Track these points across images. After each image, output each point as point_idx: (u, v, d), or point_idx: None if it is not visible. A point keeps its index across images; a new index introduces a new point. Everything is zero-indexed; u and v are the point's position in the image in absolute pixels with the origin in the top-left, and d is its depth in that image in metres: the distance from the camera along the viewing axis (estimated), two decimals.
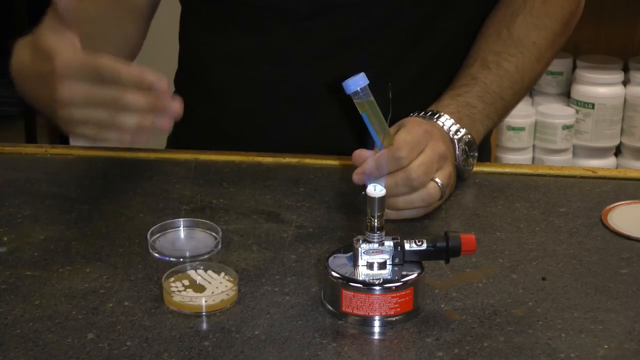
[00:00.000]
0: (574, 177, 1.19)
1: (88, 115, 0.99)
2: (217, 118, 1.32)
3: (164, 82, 0.96)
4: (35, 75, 1.04)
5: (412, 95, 1.22)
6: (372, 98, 0.99)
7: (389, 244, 0.89)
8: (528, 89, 1.26)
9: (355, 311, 0.88)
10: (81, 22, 1.11)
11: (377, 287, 0.88)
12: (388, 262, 0.89)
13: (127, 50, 1.28)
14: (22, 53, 1.07)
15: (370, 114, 0.99)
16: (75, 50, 0.99)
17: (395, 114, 1.02)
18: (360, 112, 0.99)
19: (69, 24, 1.00)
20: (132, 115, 0.97)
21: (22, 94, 1.10)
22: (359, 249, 0.89)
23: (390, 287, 0.88)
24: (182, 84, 1.38)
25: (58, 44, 1.00)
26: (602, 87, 2.48)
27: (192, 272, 0.94)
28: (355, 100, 0.99)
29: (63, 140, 2.80)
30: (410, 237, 0.91)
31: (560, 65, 2.56)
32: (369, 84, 0.98)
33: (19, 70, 1.09)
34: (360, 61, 1.20)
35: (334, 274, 0.89)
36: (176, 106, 0.97)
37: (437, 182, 1.04)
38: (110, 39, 1.23)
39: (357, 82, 0.97)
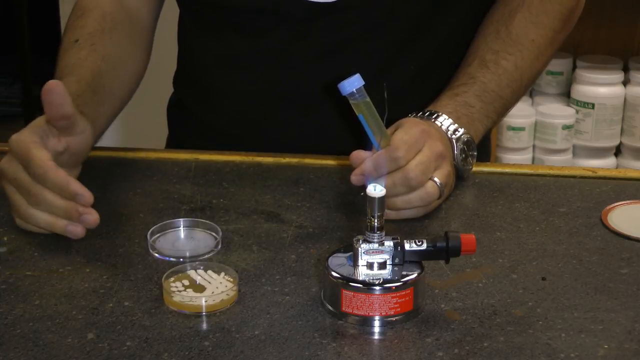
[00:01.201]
0: (574, 177, 1.19)
1: (10, 193, 1.02)
2: (215, 119, 1.32)
3: (88, 195, 0.99)
4: None
5: (409, 96, 1.22)
6: (368, 99, 0.98)
7: (389, 244, 0.89)
8: (527, 88, 1.26)
9: (355, 311, 0.88)
10: (102, 73, 1.19)
11: (377, 287, 0.88)
12: (388, 262, 0.89)
13: (139, 74, 1.30)
14: None
15: (367, 115, 0.99)
16: (34, 136, 1.02)
17: (393, 114, 1.02)
18: (357, 113, 0.99)
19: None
20: (43, 212, 1.00)
21: None
22: (359, 249, 0.89)
23: (390, 287, 0.88)
24: (181, 85, 1.38)
25: (34, 123, 1.05)
26: (602, 87, 2.48)
27: (192, 272, 0.94)
28: (351, 102, 0.99)
29: None
30: (410, 237, 0.91)
31: (560, 65, 2.56)
32: (365, 85, 0.98)
33: None
34: (358, 62, 1.20)
35: (334, 274, 0.89)
36: (92, 219, 0.99)
37: (435, 182, 1.05)
38: (125, 78, 1.26)
39: (352, 84, 0.97)
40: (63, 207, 0.99)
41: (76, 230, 1.00)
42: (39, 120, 1.05)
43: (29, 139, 1.02)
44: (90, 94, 1.15)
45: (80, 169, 1.10)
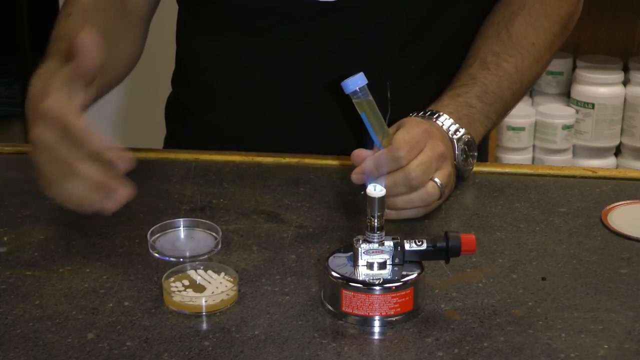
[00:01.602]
0: (574, 177, 1.19)
1: (44, 164, 0.97)
2: (215, 118, 1.32)
3: (124, 161, 0.94)
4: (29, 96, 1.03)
5: (410, 95, 1.22)
6: (370, 98, 0.99)
7: (389, 244, 0.89)
8: (527, 90, 1.26)
9: (355, 311, 0.88)
10: (93, 28, 1.13)
11: (377, 287, 0.88)
12: (388, 262, 0.89)
13: (132, 58, 1.28)
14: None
15: (369, 114, 0.99)
16: (65, 101, 0.97)
17: (394, 113, 1.02)
18: (359, 112, 0.99)
19: (85, 80, 0.99)
20: (78, 184, 0.95)
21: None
22: (359, 249, 0.89)
23: (390, 287, 0.88)
24: (180, 84, 1.38)
25: (56, 86, 0.98)
26: (602, 87, 2.48)
27: (192, 272, 0.94)
28: (354, 100, 0.99)
29: None
30: (410, 237, 0.91)
31: (560, 65, 2.56)
32: (367, 84, 0.98)
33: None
34: (359, 61, 1.20)
35: (334, 274, 0.89)
36: (125, 193, 0.95)
37: (436, 182, 1.05)
38: (118, 50, 1.23)
39: (356, 82, 0.97)
40: (98, 177, 0.94)
41: (110, 205, 0.95)
42: (61, 79, 0.99)
43: (65, 105, 0.96)
44: None
45: None
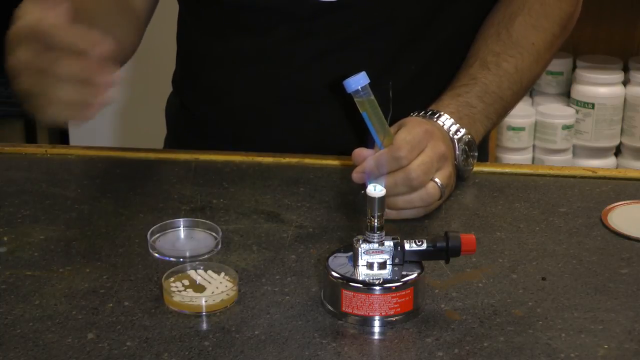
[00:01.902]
0: (574, 177, 1.19)
1: (28, 86, 0.93)
2: (215, 118, 1.32)
3: (101, 46, 0.89)
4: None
5: (411, 95, 1.22)
6: (372, 97, 0.99)
7: (389, 244, 0.89)
8: (527, 90, 1.26)
9: (355, 311, 0.88)
10: (81, 19, 1.11)
11: (377, 287, 0.88)
12: (388, 262, 0.89)
13: (123, 50, 1.23)
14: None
15: (371, 113, 1.00)
16: (38, 15, 0.92)
17: (394, 113, 1.02)
18: (361, 111, 0.99)
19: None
20: (66, 87, 0.91)
21: (16, 91, 1.04)
22: (359, 249, 0.89)
23: (390, 287, 0.88)
24: (181, 84, 1.38)
25: (24, 11, 0.95)
26: (602, 87, 2.48)
27: (192, 272, 0.94)
28: (355, 99, 0.99)
29: (63, 140, 2.80)
30: (410, 237, 0.91)
31: (560, 65, 2.56)
32: (369, 83, 0.98)
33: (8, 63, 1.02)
34: (359, 61, 1.20)
35: (334, 274, 0.89)
36: (111, 76, 0.90)
37: (436, 182, 1.05)
38: (114, 27, 1.18)
39: (358, 81, 0.98)
40: (78, 72, 0.90)
41: (100, 100, 0.91)
42: (31, 2, 0.95)
43: (36, 17, 0.92)
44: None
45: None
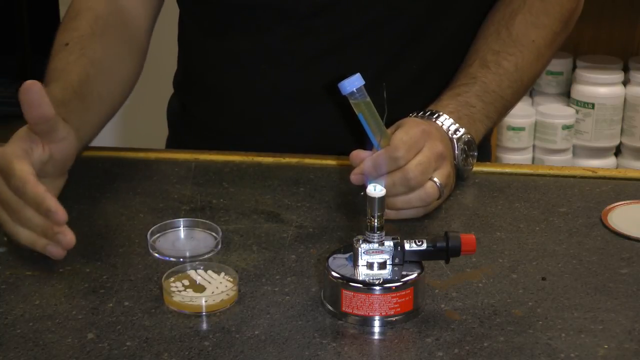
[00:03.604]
0: (574, 177, 1.19)
1: None
2: (216, 118, 1.32)
3: (61, 213, 0.95)
4: None
5: (411, 95, 1.22)
6: (368, 99, 0.99)
7: (389, 244, 0.89)
8: (527, 88, 1.26)
9: (355, 311, 0.88)
10: (90, 79, 1.15)
11: (377, 287, 0.88)
12: (388, 262, 0.89)
13: (130, 82, 1.26)
14: None
15: (367, 115, 0.99)
16: (17, 149, 0.99)
17: (394, 113, 1.02)
18: (357, 113, 0.99)
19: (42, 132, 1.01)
20: (25, 229, 0.97)
21: None
22: (359, 249, 0.89)
23: (390, 287, 0.88)
24: (182, 85, 1.38)
25: (19, 135, 1.02)
26: (602, 87, 2.48)
27: (192, 272, 0.94)
28: (351, 101, 0.99)
29: None
30: (410, 237, 0.91)
31: (560, 65, 2.56)
32: (365, 84, 0.98)
33: None
34: (359, 60, 1.20)
35: (334, 274, 0.89)
36: (65, 240, 0.96)
37: (435, 182, 1.05)
38: (115, 84, 1.22)
39: (352, 83, 0.97)
40: (41, 224, 0.96)
41: (55, 251, 0.96)
42: (22, 131, 1.02)
43: (12, 151, 0.99)
44: (76, 101, 1.12)
45: (66, 177, 1.07)
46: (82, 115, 1.11)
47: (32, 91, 0.98)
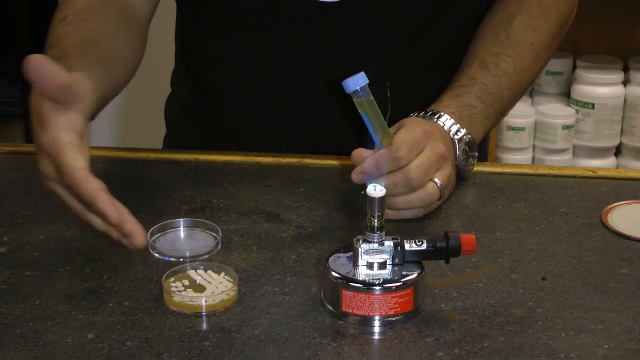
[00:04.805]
0: (574, 177, 1.19)
1: (60, 194, 0.95)
2: (215, 118, 1.32)
3: (114, 214, 0.90)
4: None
5: (411, 95, 1.22)
6: (371, 97, 0.99)
7: (389, 244, 0.89)
8: (525, 90, 1.27)
9: (355, 311, 0.88)
10: (92, 42, 1.11)
11: (377, 287, 0.88)
12: (388, 262, 0.89)
13: (133, 61, 1.22)
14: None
15: (370, 114, 0.99)
16: (64, 134, 0.92)
17: (395, 113, 1.02)
18: (360, 112, 0.99)
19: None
20: (100, 218, 0.93)
21: None
22: (359, 249, 0.89)
23: (390, 287, 0.88)
24: (180, 84, 1.38)
25: (53, 118, 0.94)
26: (602, 87, 2.48)
27: (192, 272, 0.94)
28: (354, 100, 0.99)
29: None
30: (410, 237, 0.91)
31: (560, 65, 2.56)
32: (368, 84, 0.98)
33: None
34: (360, 61, 1.20)
35: (334, 274, 0.89)
36: (136, 242, 0.91)
37: (436, 183, 1.05)
38: (118, 56, 1.17)
39: (357, 81, 0.98)
40: (103, 224, 0.93)
41: (129, 245, 0.92)
42: (50, 108, 0.93)
43: (61, 139, 0.92)
44: (78, 58, 1.05)
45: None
46: (89, 69, 1.02)
47: (40, 66, 0.91)
